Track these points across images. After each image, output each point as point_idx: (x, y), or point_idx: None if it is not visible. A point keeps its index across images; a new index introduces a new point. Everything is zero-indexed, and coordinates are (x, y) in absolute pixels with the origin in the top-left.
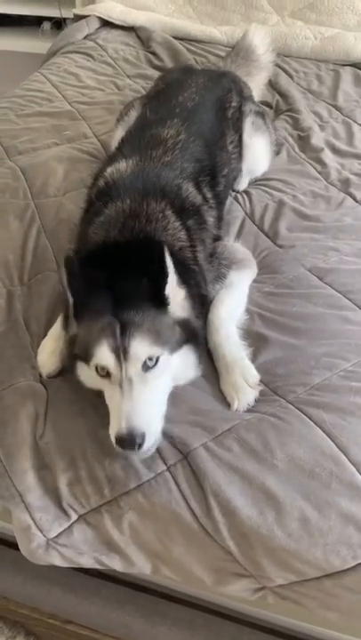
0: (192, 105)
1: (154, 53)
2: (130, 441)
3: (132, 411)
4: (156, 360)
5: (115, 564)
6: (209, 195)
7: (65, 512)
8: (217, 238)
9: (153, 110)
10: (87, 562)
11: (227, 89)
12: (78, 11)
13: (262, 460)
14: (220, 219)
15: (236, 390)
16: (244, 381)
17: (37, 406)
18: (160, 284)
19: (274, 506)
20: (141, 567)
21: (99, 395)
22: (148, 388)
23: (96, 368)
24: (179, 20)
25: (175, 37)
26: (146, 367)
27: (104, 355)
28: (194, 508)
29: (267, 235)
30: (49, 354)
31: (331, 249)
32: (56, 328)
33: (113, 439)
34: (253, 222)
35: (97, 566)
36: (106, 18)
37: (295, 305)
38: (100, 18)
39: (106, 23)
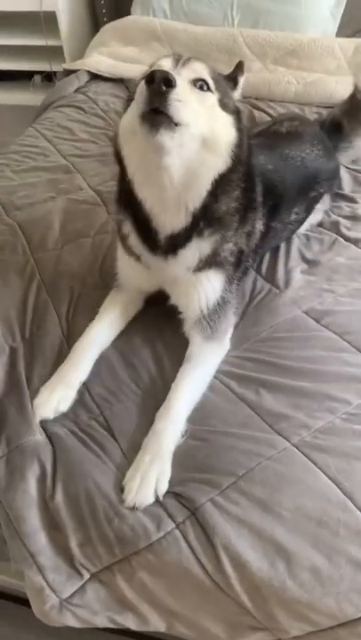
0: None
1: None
2: (160, 74)
3: (173, 75)
4: (206, 86)
5: (128, 623)
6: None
7: (77, 571)
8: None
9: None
10: (101, 621)
11: (328, 174)
12: (68, 65)
13: (270, 511)
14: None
15: (140, 487)
16: (154, 485)
17: (45, 465)
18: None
19: (284, 557)
20: (156, 625)
21: None
22: (193, 94)
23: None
24: None
25: None
26: (195, 84)
27: (165, 61)
28: (205, 564)
29: (264, 277)
30: (47, 397)
31: (325, 290)
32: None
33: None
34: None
35: (111, 625)
36: (95, 71)
37: (294, 349)
38: (89, 71)
39: (95, 76)
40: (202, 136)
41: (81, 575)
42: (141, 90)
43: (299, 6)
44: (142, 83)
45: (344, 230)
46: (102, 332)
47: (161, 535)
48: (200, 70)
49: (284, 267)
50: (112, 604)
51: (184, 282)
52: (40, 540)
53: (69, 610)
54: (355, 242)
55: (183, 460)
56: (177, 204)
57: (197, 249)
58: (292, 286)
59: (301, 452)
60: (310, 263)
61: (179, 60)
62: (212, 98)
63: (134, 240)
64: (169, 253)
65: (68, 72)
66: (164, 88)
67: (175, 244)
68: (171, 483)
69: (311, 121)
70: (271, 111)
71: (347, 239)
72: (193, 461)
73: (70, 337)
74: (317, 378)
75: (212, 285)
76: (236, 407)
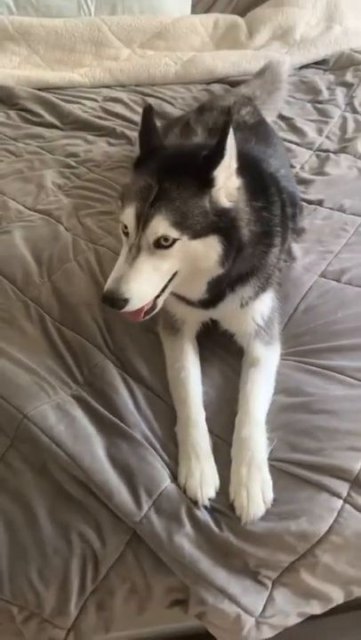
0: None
1: (26, 110)
2: (110, 301)
3: (125, 275)
4: (172, 242)
5: (315, 609)
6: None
7: (262, 584)
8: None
9: None
10: (293, 620)
11: None
12: None
13: None
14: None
15: (250, 502)
16: (261, 496)
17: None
18: (212, 162)
19: None
20: (337, 599)
21: None
22: (152, 263)
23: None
24: (31, 71)
25: (34, 89)
26: (158, 244)
27: (128, 216)
28: None
29: None
30: (199, 476)
31: (325, 252)
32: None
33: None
34: None
35: (300, 619)
36: None
37: (337, 311)
38: None
39: None
40: (184, 275)
41: (265, 586)
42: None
43: None
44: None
45: (302, 195)
46: (196, 382)
47: (335, 515)
48: (161, 228)
49: None
50: (299, 600)
51: (235, 316)
52: (221, 573)
53: (265, 623)
54: (318, 202)
55: (311, 431)
56: (194, 284)
57: (238, 295)
58: (296, 256)
59: None
60: (297, 232)
61: (140, 220)
62: (178, 246)
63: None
64: (208, 307)
65: None
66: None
67: (209, 302)
68: (313, 455)
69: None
70: (160, 95)
71: (310, 202)
72: (323, 433)
73: (126, 365)
74: None
75: (263, 306)
76: (322, 376)
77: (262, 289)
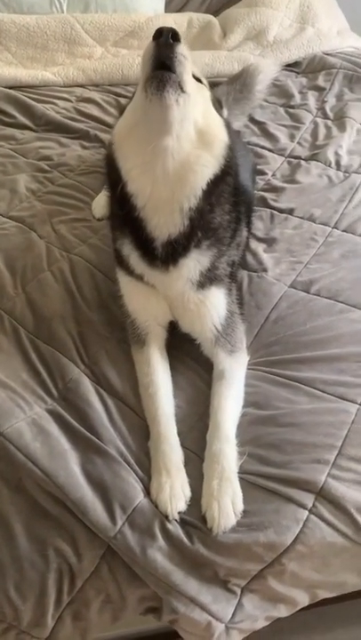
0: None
1: None
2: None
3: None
4: (200, 82)
5: (281, 612)
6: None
7: (231, 591)
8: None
9: None
10: (261, 624)
11: None
12: None
13: None
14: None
15: (221, 513)
16: (232, 507)
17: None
18: None
19: None
20: (302, 602)
21: None
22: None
23: None
24: (2, 69)
25: (5, 88)
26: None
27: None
28: (344, 531)
29: None
30: (169, 490)
31: (294, 262)
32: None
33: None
34: None
35: (267, 623)
36: None
37: (305, 322)
38: None
39: None
40: (199, 125)
41: (235, 593)
42: (148, 49)
43: None
44: (149, 42)
45: (273, 203)
46: (167, 396)
47: (301, 526)
48: (194, 69)
49: (248, 251)
50: (267, 605)
51: (190, 304)
52: (192, 583)
53: (235, 628)
54: (289, 211)
55: (279, 444)
56: (170, 203)
57: (197, 261)
58: (266, 266)
59: None
60: (267, 242)
61: None
62: (206, 91)
63: (135, 258)
64: (169, 264)
65: None
66: (172, 41)
67: (174, 252)
68: (281, 468)
69: None
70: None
71: (281, 211)
72: (290, 446)
73: (100, 379)
74: (340, 341)
75: (217, 301)
76: (290, 388)
77: (215, 275)
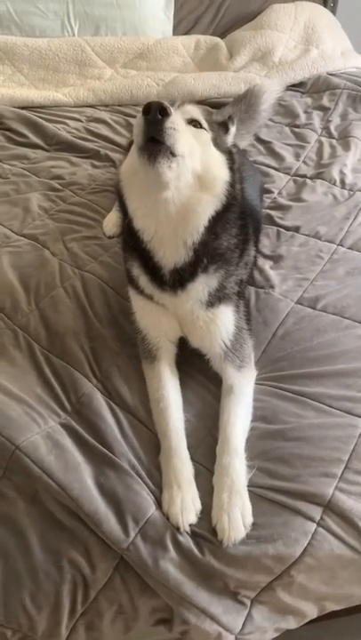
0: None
1: (10, 129)
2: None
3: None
4: (200, 125)
5: (290, 624)
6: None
7: (241, 602)
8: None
9: None
10: (270, 635)
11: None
12: None
13: None
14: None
15: (231, 526)
16: (242, 520)
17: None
18: None
19: None
20: (311, 614)
21: None
22: (183, 136)
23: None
24: (14, 90)
25: (18, 108)
26: (189, 122)
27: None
28: (352, 544)
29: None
30: (180, 503)
31: (301, 279)
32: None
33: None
34: None
35: (276, 634)
36: None
37: (312, 338)
38: None
39: None
40: (197, 172)
41: (245, 605)
42: (138, 122)
43: (133, 9)
44: (139, 116)
45: (279, 221)
46: (177, 411)
47: (310, 538)
48: (193, 112)
49: (256, 268)
50: (276, 617)
51: (200, 322)
52: (203, 594)
53: None
54: (295, 229)
55: (287, 458)
56: (174, 239)
57: (205, 284)
58: (273, 282)
59: None
60: (274, 258)
61: (173, 104)
62: (205, 135)
63: (144, 281)
64: (177, 288)
65: None
66: (160, 117)
67: (182, 279)
68: (289, 481)
69: None
70: None
71: (287, 229)
72: (298, 460)
73: (112, 393)
74: (346, 356)
75: (226, 318)
76: (298, 402)
77: (223, 294)
